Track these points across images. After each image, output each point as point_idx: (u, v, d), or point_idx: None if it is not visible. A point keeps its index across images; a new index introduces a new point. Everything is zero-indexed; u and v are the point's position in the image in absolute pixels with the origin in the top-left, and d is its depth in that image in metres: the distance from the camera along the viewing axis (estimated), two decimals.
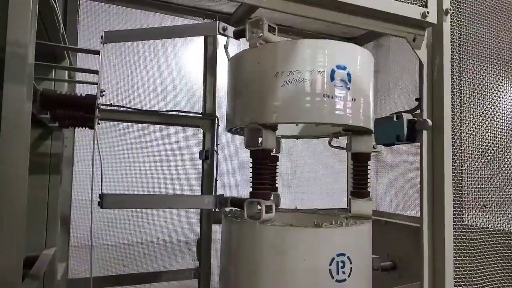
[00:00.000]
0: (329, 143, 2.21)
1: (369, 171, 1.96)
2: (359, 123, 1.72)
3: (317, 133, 2.30)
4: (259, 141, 1.71)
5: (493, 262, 1.56)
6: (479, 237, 1.53)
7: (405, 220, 2.90)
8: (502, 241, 1.57)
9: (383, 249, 2.96)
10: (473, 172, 1.37)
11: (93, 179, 1.53)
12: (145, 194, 1.62)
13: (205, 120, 2.75)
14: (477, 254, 1.52)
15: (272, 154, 1.99)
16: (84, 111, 1.38)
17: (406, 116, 1.39)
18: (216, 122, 2.78)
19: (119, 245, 3.74)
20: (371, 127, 1.80)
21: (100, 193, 1.57)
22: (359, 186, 1.92)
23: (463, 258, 1.40)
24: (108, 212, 3.62)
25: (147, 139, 3.49)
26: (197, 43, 3.63)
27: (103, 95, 1.82)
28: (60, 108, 1.34)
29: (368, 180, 1.96)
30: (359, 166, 1.93)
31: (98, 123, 1.68)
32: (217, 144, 2.74)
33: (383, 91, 4.52)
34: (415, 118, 1.35)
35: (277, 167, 2.33)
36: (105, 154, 1.74)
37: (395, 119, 1.37)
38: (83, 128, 1.73)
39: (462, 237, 1.50)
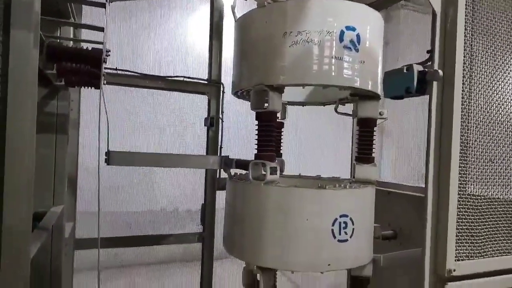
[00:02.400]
0: (335, 110, 2.20)
1: (374, 138, 1.96)
2: (366, 86, 1.70)
3: (323, 99, 2.28)
4: (265, 105, 1.71)
5: (495, 227, 1.57)
6: (483, 203, 1.53)
7: (408, 190, 2.93)
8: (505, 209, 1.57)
9: (385, 218, 3.00)
10: (480, 133, 1.35)
11: (100, 137, 1.53)
12: (151, 153, 1.63)
13: (211, 86, 2.73)
14: (479, 220, 1.54)
15: (278, 120, 1.98)
16: (90, 65, 1.37)
17: (417, 68, 1.35)
18: (222, 89, 2.77)
19: (125, 212, 3.79)
20: (379, 91, 1.79)
21: (106, 150, 1.58)
22: (364, 151, 1.92)
23: (466, 223, 1.40)
24: (114, 179, 3.68)
25: (152, 106, 3.49)
26: (203, 10, 3.57)
27: (109, 55, 1.81)
28: (66, 61, 1.33)
29: (374, 147, 1.96)
30: (365, 131, 1.92)
31: (104, 83, 1.68)
32: (222, 112, 2.74)
33: (391, 63, 4.44)
34: (426, 69, 1.32)
35: (282, 133, 2.34)
36: (110, 119, 1.74)
37: (405, 71, 1.35)
38: (89, 88, 1.73)
39: (466, 203, 1.50)
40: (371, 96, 1.85)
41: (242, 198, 1.76)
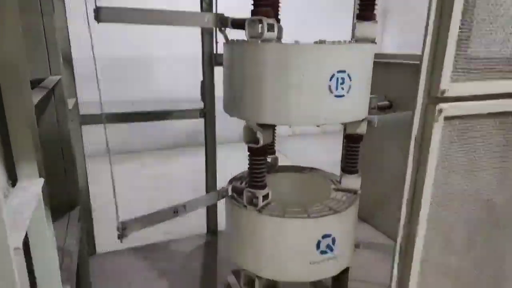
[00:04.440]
0: None
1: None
2: None
3: None
4: None
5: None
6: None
7: (408, 59, 2.89)
8: None
9: (382, 90, 3.03)
10: None
11: None
12: (144, 8, 1.53)
13: None
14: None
15: None
16: None
17: None
18: None
19: (123, 101, 3.78)
20: None
21: (95, 6, 1.50)
22: (365, 6, 1.82)
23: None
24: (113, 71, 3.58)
25: None
26: None
27: None
28: None
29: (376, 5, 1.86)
30: None
31: None
32: None
33: None
34: None
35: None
36: None
37: None
38: None
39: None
40: None
41: (240, 58, 1.74)
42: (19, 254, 0.99)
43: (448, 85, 0.96)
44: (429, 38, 0.93)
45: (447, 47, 0.94)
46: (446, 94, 0.97)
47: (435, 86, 0.95)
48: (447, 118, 1.01)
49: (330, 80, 1.64)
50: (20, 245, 0.94)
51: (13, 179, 1.13)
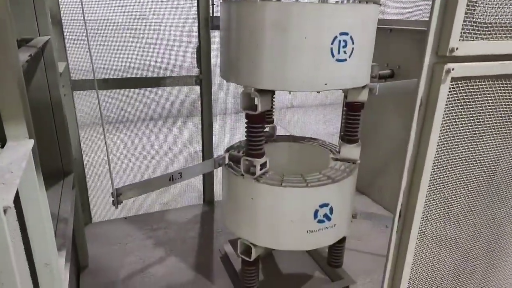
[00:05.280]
0: None
1: None
2: None
3: None
4: None
5: None
6: None
7: (411, 25, 2.81)
8: None
9: (384, 58, 2.98)
10: None
11: None
12: None
13: None
14: None
15: None
16: None
17: None
18: None
19: (116, 68, 3.66)
20: None
21: None
22: None
23: None
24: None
25: None
26: None
27: None
28: None
29: None
30: None
31: None
32: None
33: None
34: None
35: None
36: None
37: None
38: None
39: None
40: None
41: (237, 18, 1.66)
42: (12, 214, 0.98)
43: (458, 43, 0.91)
44: None
45: (458, 3, 0.89)
46: (455, 53, 0.92)
47: (444, 44, 0.91)
48: (454, 79, 0.97)
49: (332, 43, 1.58)
50: (11, 204, 0.92)
51: (2, 140, 1.10)
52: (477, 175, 1.22)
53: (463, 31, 0.93)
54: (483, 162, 1.19)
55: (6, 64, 1.05)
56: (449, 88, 0.99)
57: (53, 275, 1.20)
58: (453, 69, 0.95)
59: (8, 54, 1.05)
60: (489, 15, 1.00)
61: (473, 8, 0.95)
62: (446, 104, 1.01)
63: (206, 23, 2.65)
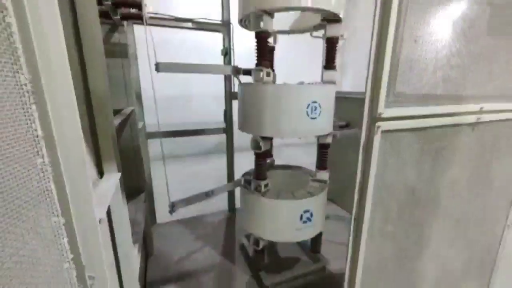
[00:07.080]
0: (311, 34, 2.05)
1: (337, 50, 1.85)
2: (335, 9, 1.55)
3: (302, 27, 2.11)
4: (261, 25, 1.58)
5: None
6: None
7: (357, 95, 2.89)
8: None
9: (341, 115, 3.04)
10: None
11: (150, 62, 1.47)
12: (188, 63, 1.57)
13: (224, 26, 2.52)
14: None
15: (269, 44, 1.86)
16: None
17: None
18: (231, 28, 2.56)
19: (172, 123, 3.74)
20: (341, 16, 1.64)
21: (155, 62, 1.54)
22: (329, 61, 1.84)
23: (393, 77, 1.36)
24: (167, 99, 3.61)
25: (177, 44, 3.22)
26: None
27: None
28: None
29: (336, 59, 1.87)
30: (330, 47, 1.82)
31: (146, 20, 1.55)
32: (233, 44, 2.58)
33: None
34: None
35: (273, 51, 2.21)
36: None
37: None
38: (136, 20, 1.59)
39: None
40: (336, 20, 1.71)
41: (249, 94, 1.76)
42: (104, 223, 1.00)
43: (383, 110, 0.97)
44: (369, 81, 0.95)
45: (381, 87, 0.96)
46: (382, 116, 0.97)
47: (375, 111, 0.96)
48: (383, 131, 1.01)
49: (307, 107, 1.65)
50: (104, 216, 0.94)
51: (101, 174, 1.15)
52: (403, 191, 1.22)
53: (386, 102, 0.98)
54: (406, 183, 1.20)
55: (106, 126, 1.11)
56: (380, 138, 1.02)
57: (130, 260, 1.21)
58: (381, 126, 0.99)
59: (107, 119, 1.12)
60: (403, 89, 1.06)
61: (394, 86, 1.00)
62: (379, 148, 1.04)
63: (230, 95, 2.77)
